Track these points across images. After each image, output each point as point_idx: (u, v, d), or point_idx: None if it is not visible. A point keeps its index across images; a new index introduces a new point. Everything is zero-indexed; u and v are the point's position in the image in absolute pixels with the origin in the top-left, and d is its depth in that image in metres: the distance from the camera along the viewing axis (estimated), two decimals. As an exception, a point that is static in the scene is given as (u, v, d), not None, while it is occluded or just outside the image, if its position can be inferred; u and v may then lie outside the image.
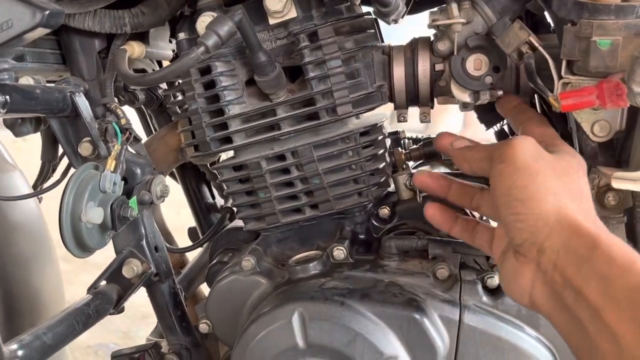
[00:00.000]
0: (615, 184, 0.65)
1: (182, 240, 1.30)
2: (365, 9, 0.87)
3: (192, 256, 1.23)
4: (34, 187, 1.08)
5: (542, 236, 0.54)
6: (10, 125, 0.83)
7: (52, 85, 0.80)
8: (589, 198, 0.59)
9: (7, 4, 0.68)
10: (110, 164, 0.75)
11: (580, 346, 0.50)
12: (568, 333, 0.52)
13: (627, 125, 0.68)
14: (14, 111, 0.67)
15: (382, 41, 0.87)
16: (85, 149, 0.79)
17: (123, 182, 0.79)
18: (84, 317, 0.73)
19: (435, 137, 0.75)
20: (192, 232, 1.24)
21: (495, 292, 0.72)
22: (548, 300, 0.54)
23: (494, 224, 0.70)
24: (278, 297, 0.72)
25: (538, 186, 0.55)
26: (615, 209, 0.71)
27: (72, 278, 2.33)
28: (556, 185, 0.56)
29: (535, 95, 0.87)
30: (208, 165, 1.07)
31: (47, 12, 0.67)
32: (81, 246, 0.73)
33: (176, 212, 2.01)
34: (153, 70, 1.01)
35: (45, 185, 0.98)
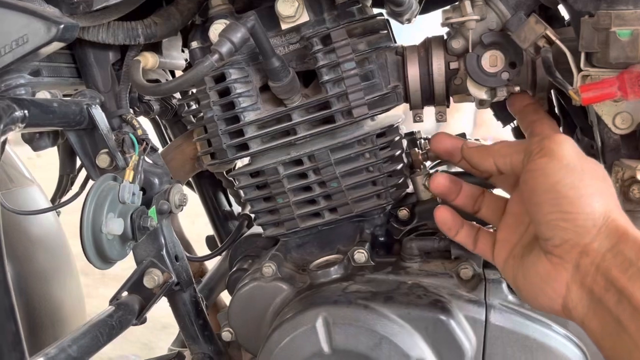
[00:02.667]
0: (641, 176, 0.64)
1: (199, 249, 1.30)
2: (376, 11, 0.87)
3: (211, 265, 1.23)
4: (52, 201, 1.09)
5: (589, 237, 0.52)
6: (29, 140, 0.83)
7: (69, 98, 0.81)
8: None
9: (22, 19, 0.68)
10: (129, 174, 0.75)
11: (618, 346, 0.50)
12: (603, 336, 0.51)
13: (649, 116, 0.67)
14: (32, 125, 0.67)
15: (395, 42, 0.86)
16: (103, 160, 0.80)
17: (141, 193, 0.79)
18: (107, 329, 0.73)
19: (432, 140, 0.72)
20: (210, 241, 1.24)
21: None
22: (584, 303, 0.53)
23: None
24: (301, 303, 0.72)
25: (587, 186, 0.53)
26: (641, 202, 0.70)
27: (91, 291, 2.34)
28: (602, 188, 0.54)
29: (552, 91, 0.86)
30: (224, 172, 1.07)
31: (62, 26, 0.67)
32: (102, 258, 0.73)
33: (191, 222, 2.02)
34: (167, 80, 1.01)
35: (64, 198, 0.99)
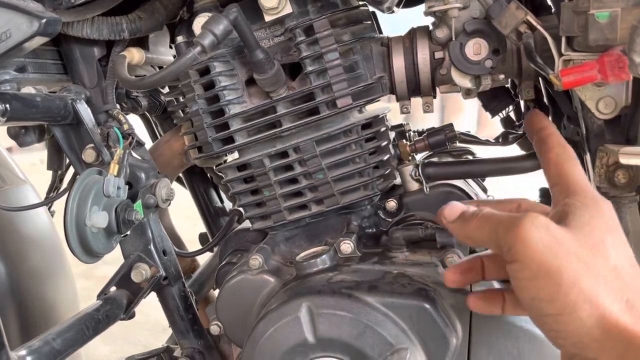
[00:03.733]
0: (623, 160, 0.63)
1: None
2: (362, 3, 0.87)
3: (203, 261, 1.23)
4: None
5: (593, 352, 0.45)
6: (15, 136, 0.84)
7: (54, 93, 0.81)
8: (625, 272, 0.48)
9: (4, 15, 0.69)
10: (113, 168, 0.76)
11: None
12: None
13: (633, 100, 0.67)
14: (14, 119, 0.67)
15: (381, 33, 0.86)
16: (89, 155, 0.80)
17: (127, 187, 0.79)
18: (93, 323, 0.73)
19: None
20: (203, 237, 1.24)
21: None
22: None
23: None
24: (286, 293, 0.71)
25: (567, 294, 0.45)
26: (626, 187, 0.69)
27: (91, 294, 2.34)
28: (588, 283, 0.45)
29: (540, 79, 0.85)
30: (214, 167, 1.07)
31: (44, 20, 0.68)
32: (88, 251, 0.73)
33: (193, 225, 2.02)
34: (154, 76, 1.01)
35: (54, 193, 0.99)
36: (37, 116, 0.72)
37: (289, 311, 0.67)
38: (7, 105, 0.65)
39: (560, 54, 0.64)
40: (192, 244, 1.29)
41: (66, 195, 0.91)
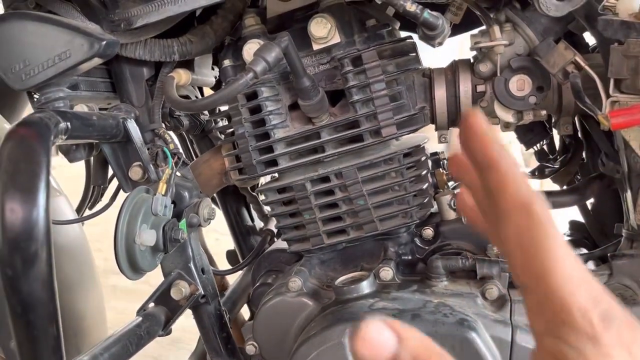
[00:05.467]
0: (669, 201, 0.64)
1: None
2: (404, 34, 0.89)
3: (231, 279, 1.24)
4: (78, 211, 1.11)
5: None
6: (66, 151, 0.86)
7: (106, 112, 0.83)
8: None
9: (65, 35, 0.71)
10: (162, 187, 0.77)
11: None
12: None
13: (677, 143, 0.68)
14: (73, 137, 0.69)
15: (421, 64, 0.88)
16: (135, 173, 0.82)
17: (172, 205, 0.81)
18: (136, 338, 0.74)
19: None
20: (230, 255, 1.25)
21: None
22: None
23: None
24: (327, 318, 0.73)
25: None
26: (667, 227, 0.70)
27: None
28: None
29: (576, 117, 0.87)
30: (249, 188, 1.09)
31: (104, 42, 0.70)
32: (134, 268, 0.75)
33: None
34: (195, 97, 1.03)
35: (94, 209, 1.01)
36: (93, 134, 0.74)
37: (332, 336, 0.69)
38: (69, 124, 0.67)
39: (608, 95, 0.66)
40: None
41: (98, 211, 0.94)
